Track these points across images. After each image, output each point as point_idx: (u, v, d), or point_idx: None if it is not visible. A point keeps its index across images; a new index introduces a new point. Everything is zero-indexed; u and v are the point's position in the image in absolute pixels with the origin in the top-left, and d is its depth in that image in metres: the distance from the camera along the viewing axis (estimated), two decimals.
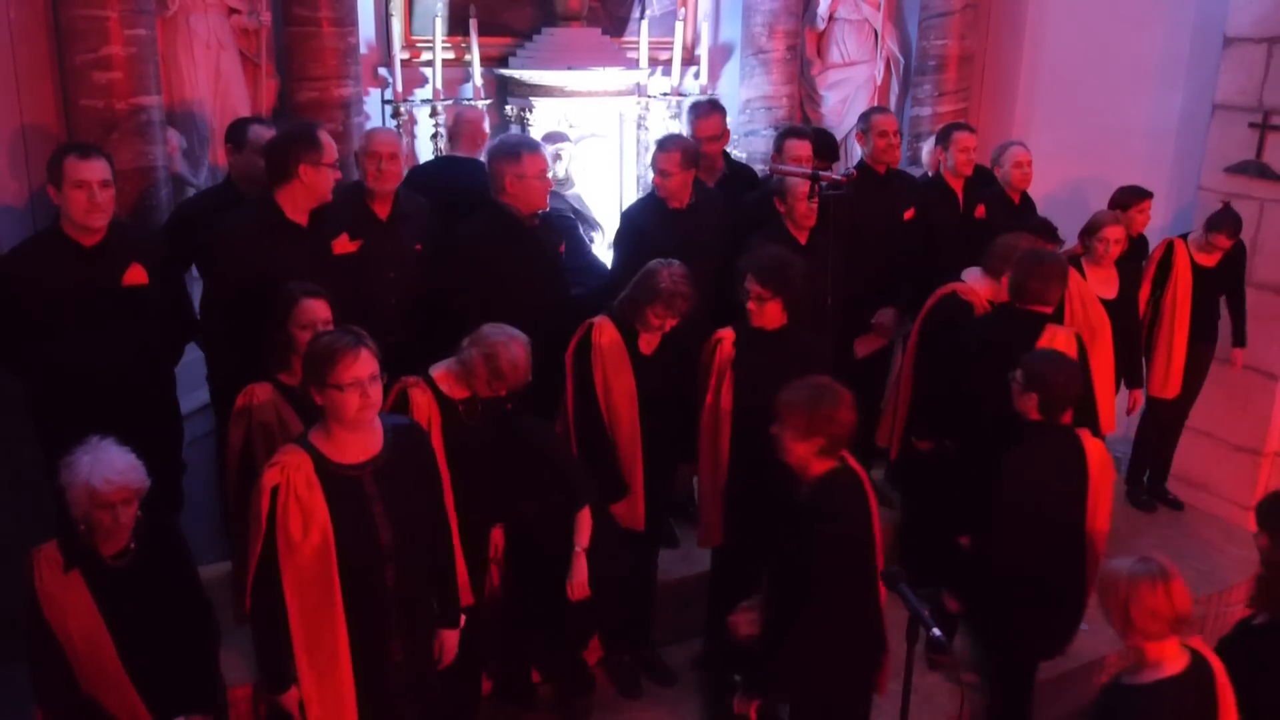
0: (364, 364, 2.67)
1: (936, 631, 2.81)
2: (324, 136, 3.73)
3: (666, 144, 4.49)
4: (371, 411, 2.75)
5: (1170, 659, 2.79)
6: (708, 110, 5.01)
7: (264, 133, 4.10)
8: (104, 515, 2.83)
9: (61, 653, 2.86)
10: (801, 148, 4.81)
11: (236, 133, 4.24)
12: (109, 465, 2.83)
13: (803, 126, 5.26)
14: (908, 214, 5.11)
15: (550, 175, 4.18)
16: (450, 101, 5.80)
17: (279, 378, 3.32)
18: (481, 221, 4.14)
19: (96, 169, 3.48)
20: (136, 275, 3.65)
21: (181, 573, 3.09)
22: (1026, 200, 5.40)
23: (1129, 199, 5.20)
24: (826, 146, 5.38)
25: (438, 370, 3.41)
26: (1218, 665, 2.85)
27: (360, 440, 2.79)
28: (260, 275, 3.53)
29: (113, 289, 3.61)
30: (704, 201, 4.53)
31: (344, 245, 3.84)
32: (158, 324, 3.77)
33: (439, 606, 3.10)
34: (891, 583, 2.95)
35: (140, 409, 3.70)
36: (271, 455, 2.82)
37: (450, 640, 3.14)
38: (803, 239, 4.36)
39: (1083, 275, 4.82)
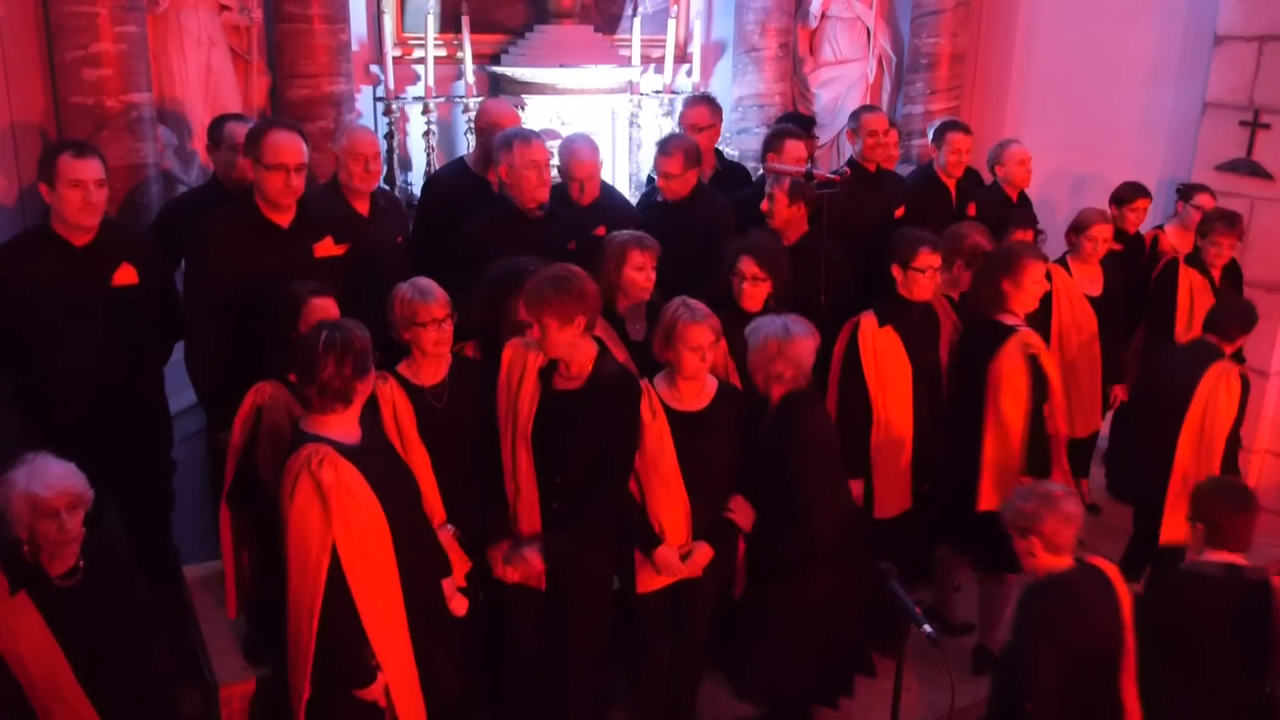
0: (370, 383, 2.88)
1: (928, 628, 2.82)
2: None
3: (667, 146, 4.55)
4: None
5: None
6: (694, 101, 5.20)
7: (241, 129, 4.07)
8: (49, 526, 2.73)
9: (13, 680, 2.76)
10: (795, 148, 4.82)
11: (214, 130, 4.22)
12: (45, 473, 2.75)
13: (793, 127, 5.25)
14: (899, 212, 5.12)
15: (550, 167, 4.16)
16: (441, 99, 5.80)
17: (289, 377, 3.30)
18: (486, 213, 4.18)
19: (93, 168, 3.47)
20: (127, 275, 3.63)
21: (130, 588, 3.03)
22: (1024, 198, 5.41)
23: (1127, 194, 5.23)
24: (804, 128, 5.46)
25: (401, 364, 3.42)
26: None
27: (349, 426, 2.89)
28: (240, 275, 3.53)
29: (102, 288, 3.59)
30: (698, 199, 4.54)
31: (328, 248, 3.81)
32: (148, 323, 3.76)
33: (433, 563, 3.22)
34: (882, 580, 2.96)
35: (129, 409, 3.70)
36: (278, 453, 2.89)
37: (447, 589, 3.26)
38: (786, 240, 4.36)
39: (1068, 272, 4.84)
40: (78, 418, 3.56)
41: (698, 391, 3.45)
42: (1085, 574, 3.20)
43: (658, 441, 3.37)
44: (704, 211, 4.51)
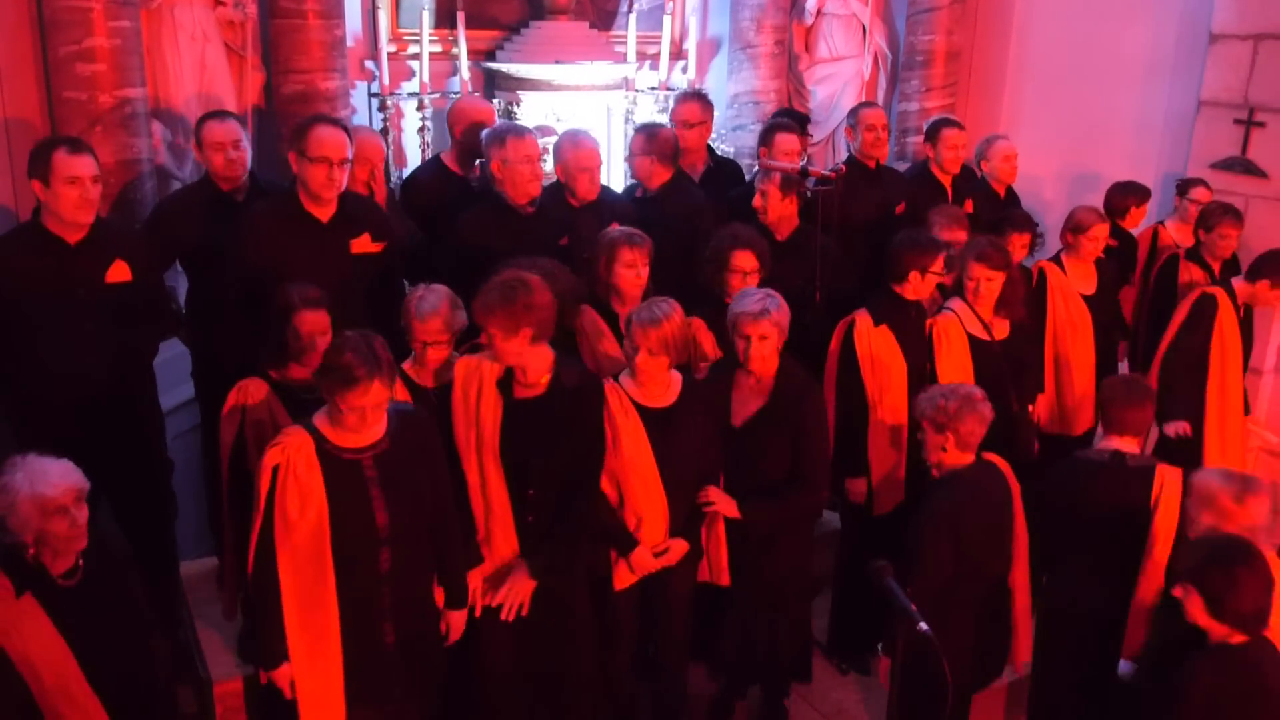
0: (374, 394, 2.76)
1: (924, 626, 2.82)
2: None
3: (638, 127, 4.76)
4: (371, 425, 2.86)
5: None
6: (685, 97, 5.21)
7: (216, 127, 4.04)
8: (59, 522, 2.69)
9: (21, 683, 2.71)
10: (789, 141, 4.82)
11: (196, 129, 4.20)
12: (46, 472, 2.71)
13: (786, 120, 5.25)
14: (899, 208, 5.12)
15: (542, 163, 4.15)
16: (437, 94, 5.78)
17: (270, 373, 3.30)
18: (477, 209, 4.17)
19: (88, 164, 3.46)
20: (120, 272, 3.62)
21: (129, 586, 3.01)
22: (1011, 194, 5.41)
23: (1119, 205, 5.25)
24: (799, 125, 5.43)
25: (406, 362, 3.42)
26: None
27: (362, 428, 2.86)
28: (277, 266, 3.53)
29: (96, 286, 3.57)
30: (673, 192, 4.55)
31: (364, 245, 3.82)
32: (141, 321, 3.74)
33: (445, 589, 3.14)
34: (877, 577, 2.96)
35: (122, 406, 3.68)
36: (263, 450, 2.86)
37: (457, 620, 3.18)
38: (779, 235, 4.36)
39: (1063, 271, 4.85)
40: (70, 416, 3.54)
41: (664, 387, 3.44)
42: (983, 469, 3.46)
43: (632, 439, 3.35)
44: (680, 205, 4.52)
